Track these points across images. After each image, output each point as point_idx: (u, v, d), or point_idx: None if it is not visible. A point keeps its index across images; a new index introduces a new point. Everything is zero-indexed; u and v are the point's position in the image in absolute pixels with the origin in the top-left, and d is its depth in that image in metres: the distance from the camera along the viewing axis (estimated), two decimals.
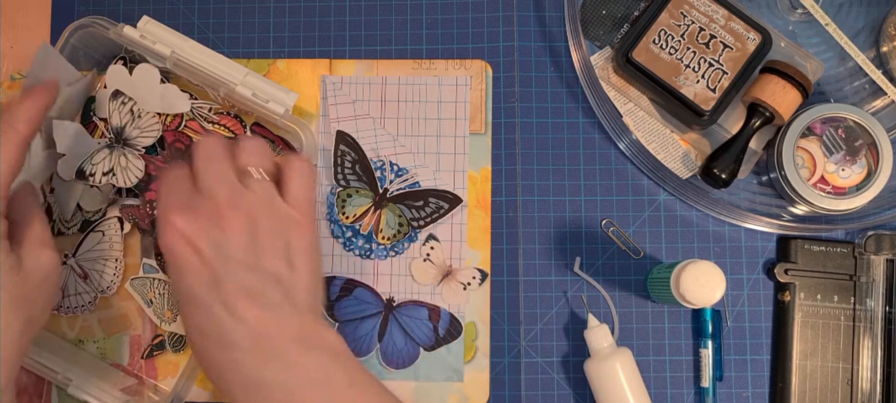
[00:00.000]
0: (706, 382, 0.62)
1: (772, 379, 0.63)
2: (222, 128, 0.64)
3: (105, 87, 0.63)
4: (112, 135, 0.62)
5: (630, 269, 0.64)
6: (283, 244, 0.51)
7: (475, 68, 0.65)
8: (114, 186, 0.62)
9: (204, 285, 0.49)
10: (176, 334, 0.63)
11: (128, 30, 0.60)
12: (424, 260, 0.64)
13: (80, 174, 0.61)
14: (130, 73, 0.63)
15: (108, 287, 0.62)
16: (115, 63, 0.63)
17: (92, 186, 0.62)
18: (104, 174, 0.61)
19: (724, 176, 0.61)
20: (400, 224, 0.64)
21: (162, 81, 0.63)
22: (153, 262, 0.63)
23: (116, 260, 0.63)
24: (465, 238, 0.64)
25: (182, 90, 0.63)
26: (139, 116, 0.62)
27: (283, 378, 0.48)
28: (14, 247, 0.50)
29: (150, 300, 0.62)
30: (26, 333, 0.49)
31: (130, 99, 0.62)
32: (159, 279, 0.62)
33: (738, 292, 0.64)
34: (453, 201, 0.64)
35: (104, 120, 0.63)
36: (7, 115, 0.51)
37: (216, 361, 0.49)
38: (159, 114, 0.63)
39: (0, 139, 0.49)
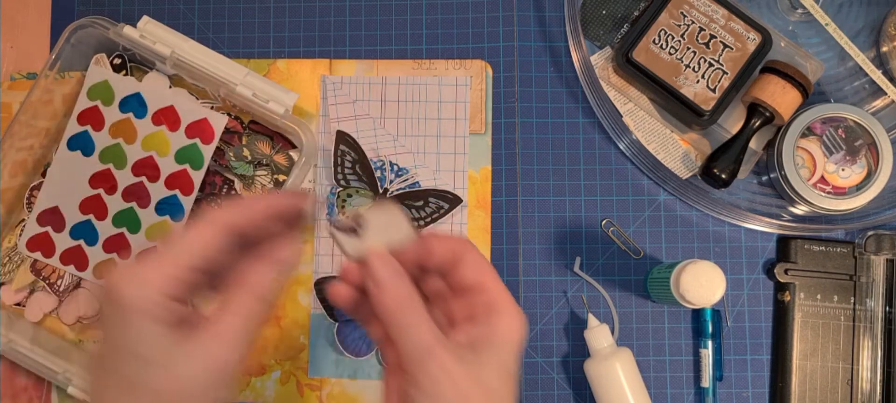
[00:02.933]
0: (706, 382, 0.62)
1: (772, 379, 0.63)
2: None
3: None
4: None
5: (630, 269, 0.64)
6: None
7: (475, 68, 0.65)
8: None
9: None
10: None
11: (128, 30, 0.60)
12: None
13: None
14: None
15: None
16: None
17: None
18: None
19: (724, 176, 0.61)
20: None
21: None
22: None
23: None
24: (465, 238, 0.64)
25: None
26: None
27: None
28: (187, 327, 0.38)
29: None
30: None
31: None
32: None
33: (738, 292, 0.64)
34: (453, 201, 0.64)
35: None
36: (225, 207, 0.41)
37: None
38: None
39: (200, 219, 0.40)
